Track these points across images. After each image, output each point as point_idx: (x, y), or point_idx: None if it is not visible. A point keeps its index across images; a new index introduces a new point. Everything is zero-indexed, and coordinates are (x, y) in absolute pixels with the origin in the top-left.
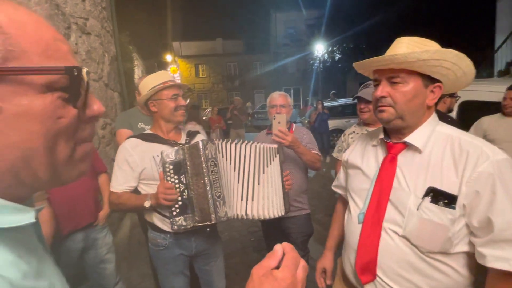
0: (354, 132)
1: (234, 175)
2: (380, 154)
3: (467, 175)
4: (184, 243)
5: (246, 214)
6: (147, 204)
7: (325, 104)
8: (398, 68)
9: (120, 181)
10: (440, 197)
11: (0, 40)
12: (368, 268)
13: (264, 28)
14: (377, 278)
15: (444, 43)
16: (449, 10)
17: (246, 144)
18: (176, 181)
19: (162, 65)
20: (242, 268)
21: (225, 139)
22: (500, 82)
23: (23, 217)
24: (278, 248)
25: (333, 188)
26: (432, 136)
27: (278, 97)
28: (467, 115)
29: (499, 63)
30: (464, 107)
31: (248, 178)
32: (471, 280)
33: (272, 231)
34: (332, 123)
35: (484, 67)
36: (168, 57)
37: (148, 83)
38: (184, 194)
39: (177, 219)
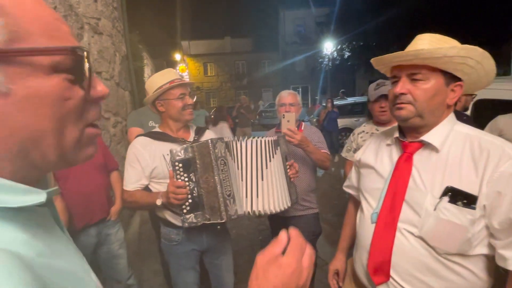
0: (363, 131)
1: (238, 173)
2: (395, 153)
3: (488, 175)
4: (196, 238)
5: (252, 211)
6: (159, 202)
7: (334, 103)
8: (421, 64)
9: (132, 180)
10: (459, 197)
11: (3, 21)
12: (381, 268)
13: (273, 26)
14: (390, 279)
15: (458, 41)
16: (463, 7)
17: (247, 140)
18: (186, 179)
19: (171, 64)
20: (250, 267)
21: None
22: None
23: (33, 197)
24: (283, 234)
25: (344, 188)
26: (450, 135)
27: (287, 96)
28: (482, 114)
29: None
30: (479, 106)
31: (252, 174)
32: (489, 284)
33: (280, 229)
34: (341, 122)
35: (500, 65)
36: (177, 56)
37: (154, 83)
38: (194, 192)
39: (187, 216)
